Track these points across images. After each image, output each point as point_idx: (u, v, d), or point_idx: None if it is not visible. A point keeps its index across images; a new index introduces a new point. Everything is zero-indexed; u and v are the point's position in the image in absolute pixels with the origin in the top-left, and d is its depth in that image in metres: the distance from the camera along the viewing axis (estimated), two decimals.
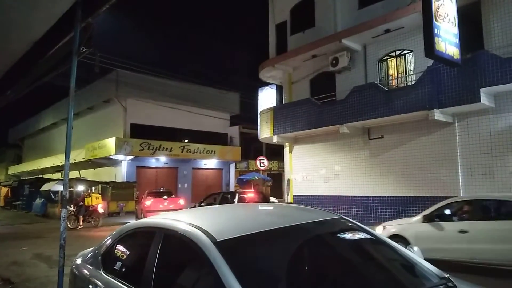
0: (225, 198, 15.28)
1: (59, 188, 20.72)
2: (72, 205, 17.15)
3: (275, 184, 28.90)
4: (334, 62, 15.22)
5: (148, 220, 3.58)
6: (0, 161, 51.87)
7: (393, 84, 14.35)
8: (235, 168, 31.69)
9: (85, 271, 3.56)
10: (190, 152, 27.40)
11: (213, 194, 17.16)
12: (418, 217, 8.18)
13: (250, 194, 15.42)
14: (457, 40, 10.69)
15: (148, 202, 19.25)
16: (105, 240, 3.58)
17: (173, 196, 21.46)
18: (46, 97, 36.78)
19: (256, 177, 25.59)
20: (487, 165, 11.41)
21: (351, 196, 14.82)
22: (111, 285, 3.03)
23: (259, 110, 19.19)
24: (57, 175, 31.18)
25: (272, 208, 4.06)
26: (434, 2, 10.10)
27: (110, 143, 24.55)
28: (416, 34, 12.97)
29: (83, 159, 27.60)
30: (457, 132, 12.11)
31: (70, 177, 6.24)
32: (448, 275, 2.59)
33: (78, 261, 3.85)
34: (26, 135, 45.43)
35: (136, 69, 26.79)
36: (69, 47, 5.22)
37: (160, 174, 27.67)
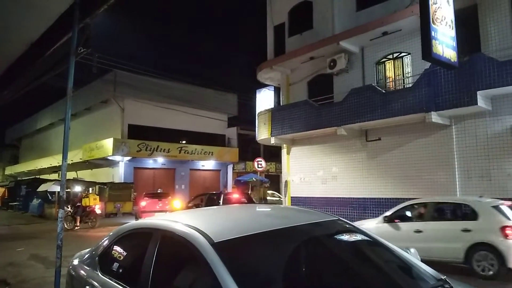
0: (211, 199, 16.16)
1: (56, 188, 20.66)
2: (69, 206, 17.12)
3: (273, 185, 28.91)
4: (331, 64, 15.25)
5: (146, 221, 3.57)
6: None
7: (391, 86, 14.39)
8: (233, 169, 31.67)
9: (82, 272, 3.55)
10: (187, 153, 27.39)
11: (199, 195, 18.14)
12: (380, 218, 8.74)
13: (235, 195, 16.91)
14: (454, 43, 10.72)
15: (144, 203, 19.62)
16: (102, 240, 3.57)
17: (170, 197, 21.73)
18: (44, 97, 36.76)
19: (253, 179, 25.61)
20: (484, 167, 11.45)
21: (349, 197, 14.83)
22: (108, 286, 3.02)
23: (257, 111, 19.21)
24: (54, 176, 31.08)
25: (269, 209, 4.06)
26: (432, 5, 10.14)
27: (108, 144, 24.51)
28: (413, 37, 13.01)
29: (81, 160, 27.53)
30: (454, 134, 12.15)
31: (67, 178, 6.24)
32: (445, 276, 2.60)
33: (75, 262, 3.84)
34: (23, 136, 45.30)
35: (134, 70, 26.80)
36: (67, 47, 5.22)
37: (158, 175, 27.63)
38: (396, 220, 8.46)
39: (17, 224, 19.49)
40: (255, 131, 18.90)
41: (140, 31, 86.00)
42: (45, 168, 34.10)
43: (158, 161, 26.95)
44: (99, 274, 3.25)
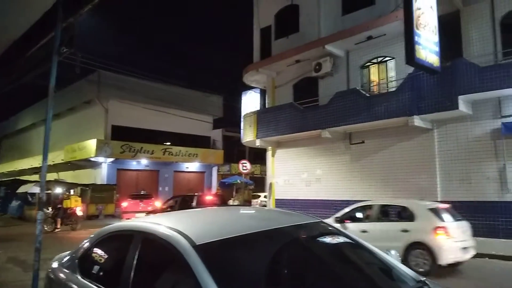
0: (185, 200, 16.45)
1: (37, 190, 20.23)
2: (50, 208, 16.80)
3: (258, 188, 28.89)
4: (317, 67, 15.37)
5: (127, 223, 3.52)
6: None
7: (375, 90, 14.57)
8: (218, 171, 31.57)
9: (61, 275, 3.48)
10: (172, 155, 27.21)
11: (174, 197, 18.53)
12: (330, 220, 8.88)
13: (208, 197, 17.59)
14: (437, 48, 10.91)
15: (125, 203, 19.61)
16: (83, 243, 3.51)
17: (153, 198, 21.77)
18: (26, 97, 36.07)
19: (238, 181, 25.56)
20: (464, 170, 11.67)
21: (332, 200, 14.92)
22: None
23: (243, 113, 19.22)
24: (35, 177, 30.45)
25: (253, 211, 4.06)
26: (415, 10, 10.31)
27: (91, 144, 24.18)
28: (397, 42, 13.20)
29: (62, 161, 27.07)
30: (436, 138, 12.36)
31: (48, 179, 6.12)
32: (425, 278, 2.64)
33: (54, 264, 3.76)
34: (3, 136, 44.34)
35: (119, 71, 26.49)
36: (51, 47, 5.13)
37: (141, 177, 27.37)
38: (346, 221, 8.79)
39: None
40: (240, 133, 18.90)
41: (125, 31, 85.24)
42: (25, 169, 33.45)
43: (141, 163, 26.69)
44: (79, 277, 3.19)
